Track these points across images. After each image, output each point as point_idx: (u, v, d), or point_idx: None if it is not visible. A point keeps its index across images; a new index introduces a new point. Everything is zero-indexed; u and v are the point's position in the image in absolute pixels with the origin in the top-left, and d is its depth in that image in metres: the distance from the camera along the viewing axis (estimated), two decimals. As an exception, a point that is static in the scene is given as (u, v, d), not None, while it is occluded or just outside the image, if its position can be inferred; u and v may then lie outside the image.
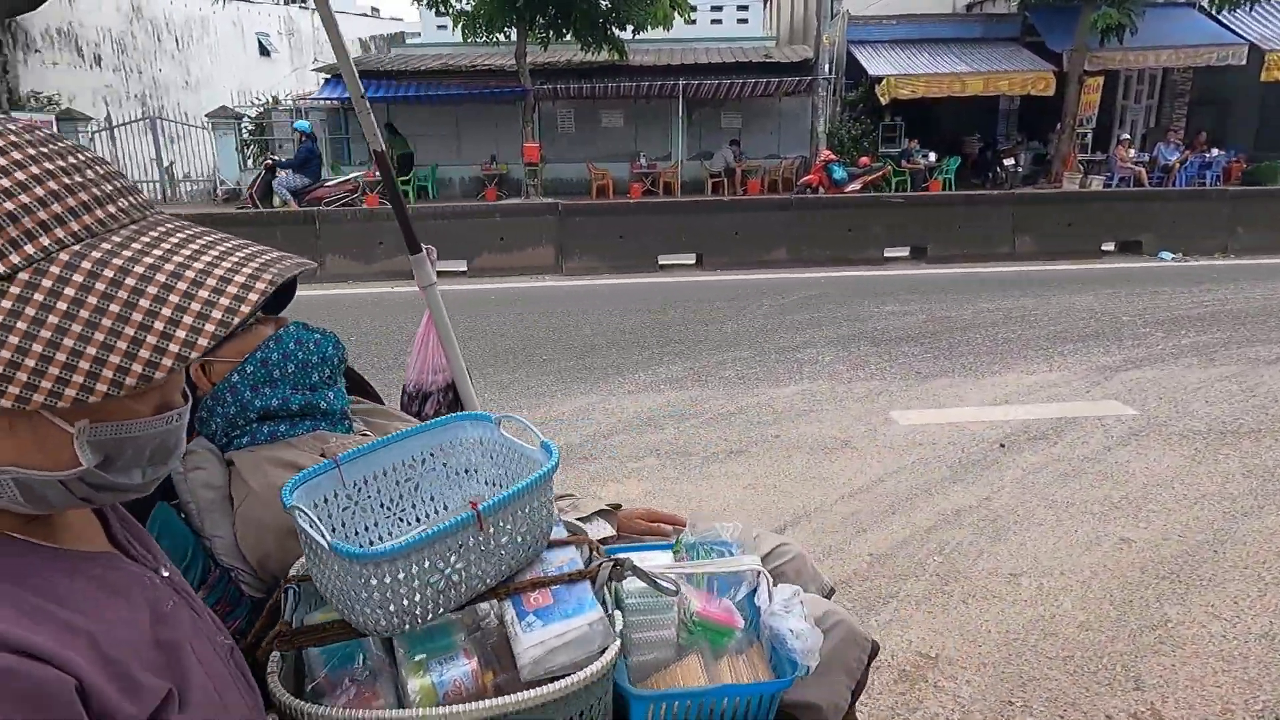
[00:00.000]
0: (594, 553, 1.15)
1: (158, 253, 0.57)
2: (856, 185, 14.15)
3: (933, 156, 15.81)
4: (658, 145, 17.52)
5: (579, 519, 1.53)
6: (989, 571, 2.83)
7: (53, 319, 0.53)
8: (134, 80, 19.48)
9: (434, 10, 14.70)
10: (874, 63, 15.70)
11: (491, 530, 1.00)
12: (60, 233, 0.55)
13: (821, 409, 4.38)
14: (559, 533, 1.18)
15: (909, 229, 8.97)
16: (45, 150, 0.57)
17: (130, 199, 0.60)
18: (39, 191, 0.55)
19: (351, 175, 13.83)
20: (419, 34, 20.34)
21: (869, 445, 3.89)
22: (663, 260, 8.70)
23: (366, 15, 29.45)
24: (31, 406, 0.54)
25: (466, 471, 1.24)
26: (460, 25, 14.24)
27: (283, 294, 1.45)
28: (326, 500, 1.09)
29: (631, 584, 1.16)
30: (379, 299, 7.54)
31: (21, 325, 0.53)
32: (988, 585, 2.75)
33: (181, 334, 0.54)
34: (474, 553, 0.99)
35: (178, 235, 0.59)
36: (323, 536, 0.89)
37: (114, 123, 16.74)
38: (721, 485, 3.49)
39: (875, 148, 16.59)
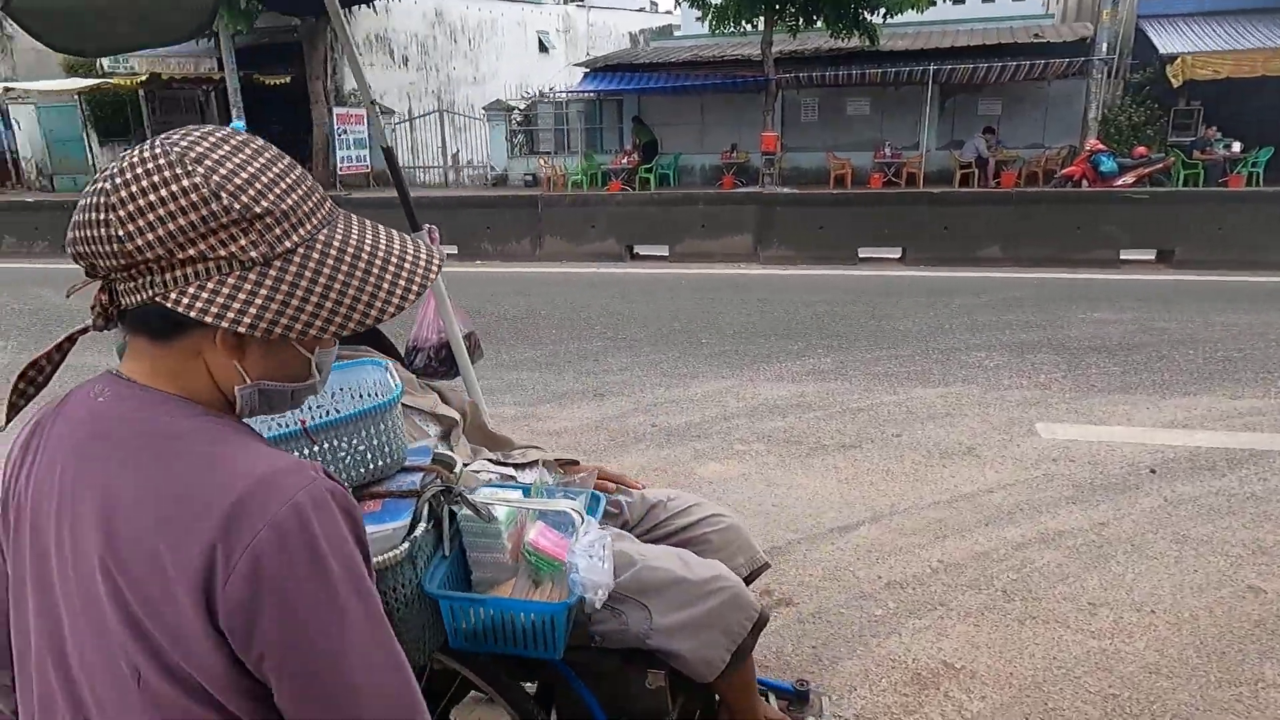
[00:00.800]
0: (436, 478, 1.38)
1: (366, 238, 0.84)
2: (1128, 179, 12.59)
3: (1237, 146, 13.59)
4: (905, 134, 16.75)
5: (515, 464, 1.76)
6: (1065, 597, 2.63)
7: (322, 279, 0.79)
8: (432, 77, 22.19)
9: (691, 4, 15.18)
10: (1167, 39, 13.80)
11: (328, 445, 1.28)
12: (316, 220, 0.81)
13: (961, 414, 4.16)
14: (421, 460, 1.42)
15: (1152, 228, 7.89)
16: (287, 160, 0.82)
17: (328, 196, 0.86)
18: (301, 190, 0.80)
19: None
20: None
21: (995, 455, 3.66)
22: (863, 253, 8.46)
23: (643, 10, 30.94)
24: (306, 340, 0.82)
25: (364, 397, 1.51)
26: (710, 17, 14.59)
27: None
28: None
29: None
30: (587, 279, 8.14)
31: (302, 282, 0.78)
32: (1056, 610, 2.57)
33: (397, 294, 0.82)
34: (316, 460, 1.27)
35: (364, 225, 0.87)
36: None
37: (412, 115, 19.31)
38: (815, 476, 3.51)
39: (1161, 136, 14.59)
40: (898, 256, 8.43)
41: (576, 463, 1.91)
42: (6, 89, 17.98)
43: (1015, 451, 3.69)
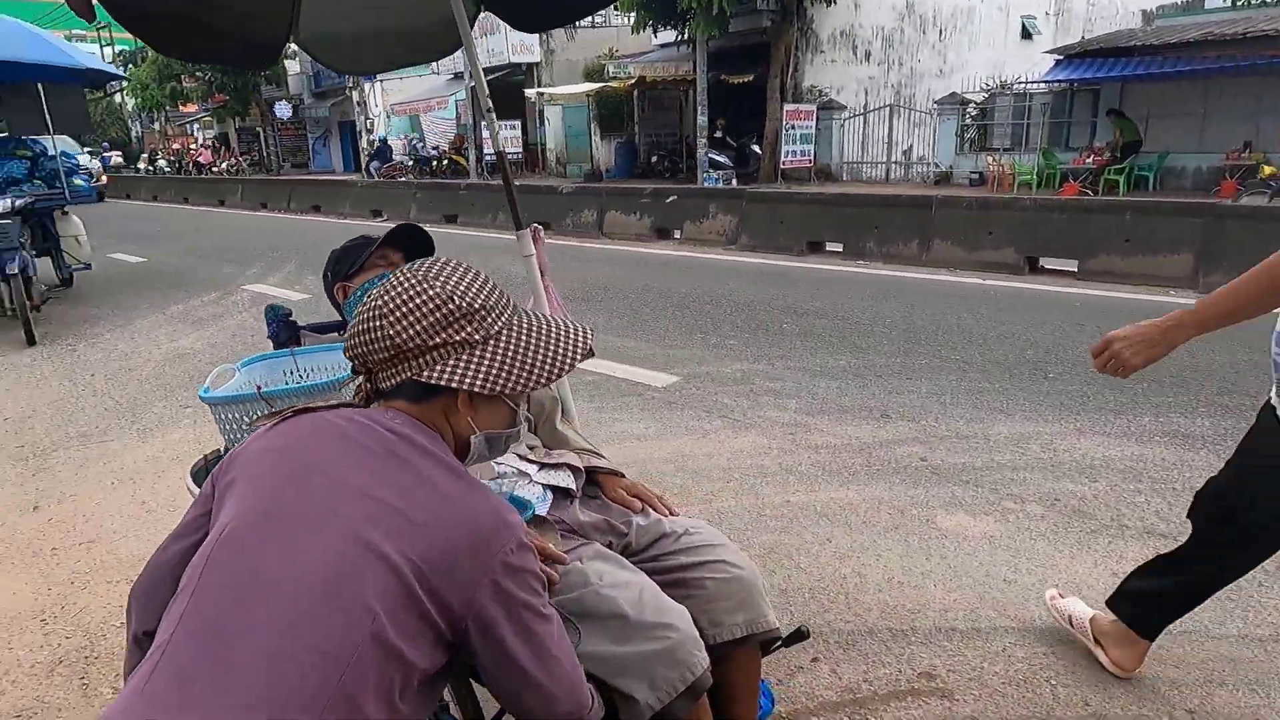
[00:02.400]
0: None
1: (540, 322, 1.21)
2: None
3: None
4: None
5: (540, 461, 1.80)
6: None
7: (520, 349, 1.16)
8: (893, 71, 21.72)
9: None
10: None
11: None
12: (508, 312, 1.18)
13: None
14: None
15: None
16: (485, 275, 1.20)
17: (508, 295, 1.23)
18: (496, 293, 1.18)
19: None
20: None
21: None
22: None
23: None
24: (515, 394, 1.17)
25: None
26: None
27: (423, 247, 2.04)
28: (285, 374, 1.71)
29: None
30: (969, 291, 7.38)
31: (510, 353, 1.15)
32: None
33: (568, 359, 1.19)
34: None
35: (532, 314, 1.24)
36: (204, 384, 1.54)
37: (866, 110, 19.21)
38: (1085, 562, 2.83)
39: None
40: None
41: (620, 474, 1.88)
42: (539, 93, 22.28)
43: None
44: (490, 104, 2.00)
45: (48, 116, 7.52)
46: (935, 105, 18.00)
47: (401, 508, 1.02)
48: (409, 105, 28.37)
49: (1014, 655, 2.39)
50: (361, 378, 1.21)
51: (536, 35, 23.70)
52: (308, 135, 33.75)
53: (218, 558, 1.02)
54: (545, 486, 1.77)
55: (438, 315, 1.12)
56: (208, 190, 23.55)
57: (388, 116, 30.12)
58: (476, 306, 1.14)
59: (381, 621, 0.97)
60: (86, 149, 24.70)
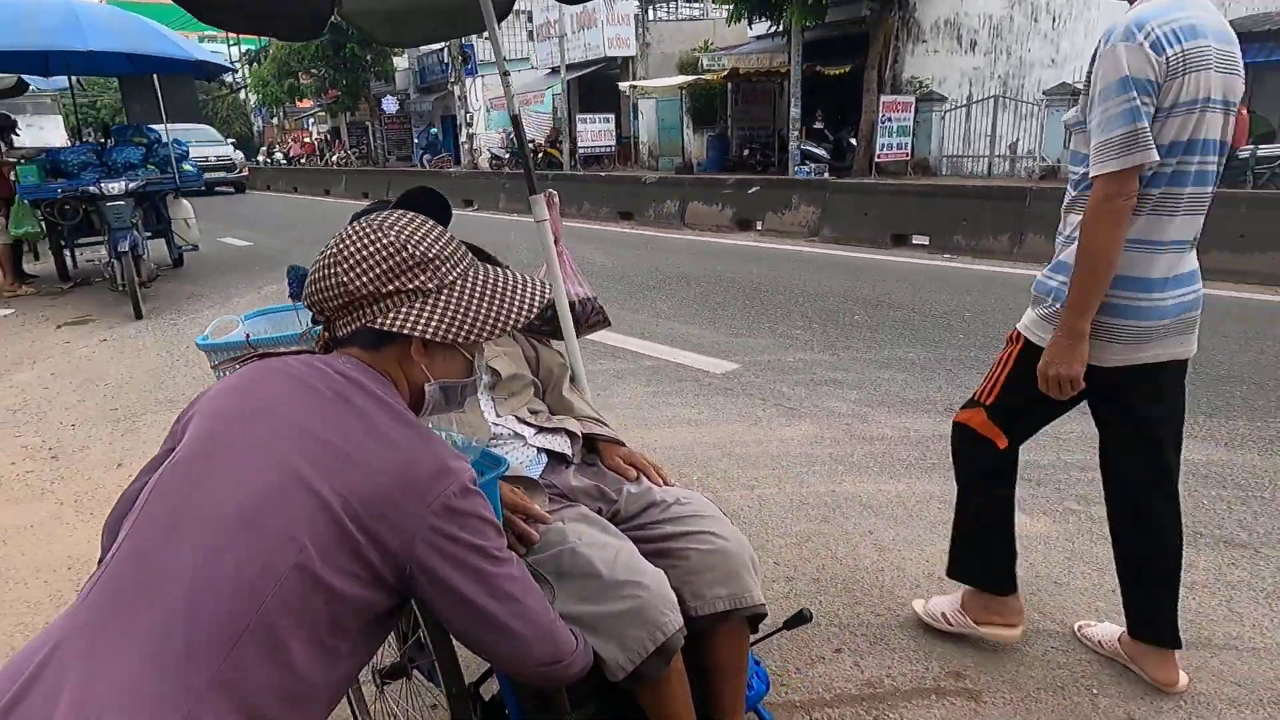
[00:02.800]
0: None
1: (496, 274, 1.22)
2: None
3: None
4: None
5: (538, 425, 1.79)
6: None
7: (473, 299, 1.17)
8: (1000, 61, 20.76)
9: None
10: None
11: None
12: (464, 264, 1.19)
13: None
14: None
15: None
16: (441, 228, 1.21)
17: (468, 250, 1.25)
18: (452, 244, 1.19)
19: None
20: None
21: None
22: None
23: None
24: (468, 343, 1.17)
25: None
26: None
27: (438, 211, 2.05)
28: (290, 328, 1.75)
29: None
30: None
31: (463, 303, 1.15)
32: None
33: (521, 310, 1.19)
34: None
35: (490, 268, 1.24)
36: (202, 332, 1.59)
37: (970, 101, 18.44)
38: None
39: None
40: None
41: (619, 442, 1.84)
42: (632, 86, 22.36)
43: None
44: (506, 69, 2.00)
45: (162, 106, 8.02)
46: (1043, 96, 17.12)
47: (340, 447, 1.03)
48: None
49: (1055, 661, 2.24)
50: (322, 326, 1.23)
51: (633, 28, 23.84)
52: (412, 129, 34.92)
53: (161, 486, 1.04)
54: (540, 450, 1.76)
55: (391, 263, 1.13)
56: (315, 180, 24.68)
57: (487, 110, 30.86)
58: (430, 256, 1.15)
59: (309, 554, 0.97)
60: (229, 139, 26.25)
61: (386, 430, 1.07)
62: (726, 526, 1.61)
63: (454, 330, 1.15)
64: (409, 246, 1.14)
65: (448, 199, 2.00)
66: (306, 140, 40.61)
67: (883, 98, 17.28)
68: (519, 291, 1.22)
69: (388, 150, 35.47)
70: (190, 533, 0.99)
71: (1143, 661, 2.12)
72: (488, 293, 1.19)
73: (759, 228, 10.68)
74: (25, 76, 10.13)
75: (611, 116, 23.44)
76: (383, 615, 1.09)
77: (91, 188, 7.19)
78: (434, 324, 1.14)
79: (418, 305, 1.14)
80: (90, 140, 8.53)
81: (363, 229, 1.15)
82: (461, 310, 1.16)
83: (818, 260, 8.57)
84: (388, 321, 1.13)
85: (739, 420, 4.06)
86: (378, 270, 1.13)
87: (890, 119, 17.35)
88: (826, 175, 16.50)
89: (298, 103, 38.92)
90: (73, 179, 7.56)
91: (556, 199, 2.01)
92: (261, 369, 1.14)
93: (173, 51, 7.35)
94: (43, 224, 8.16)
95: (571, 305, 2.02)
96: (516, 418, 1.79)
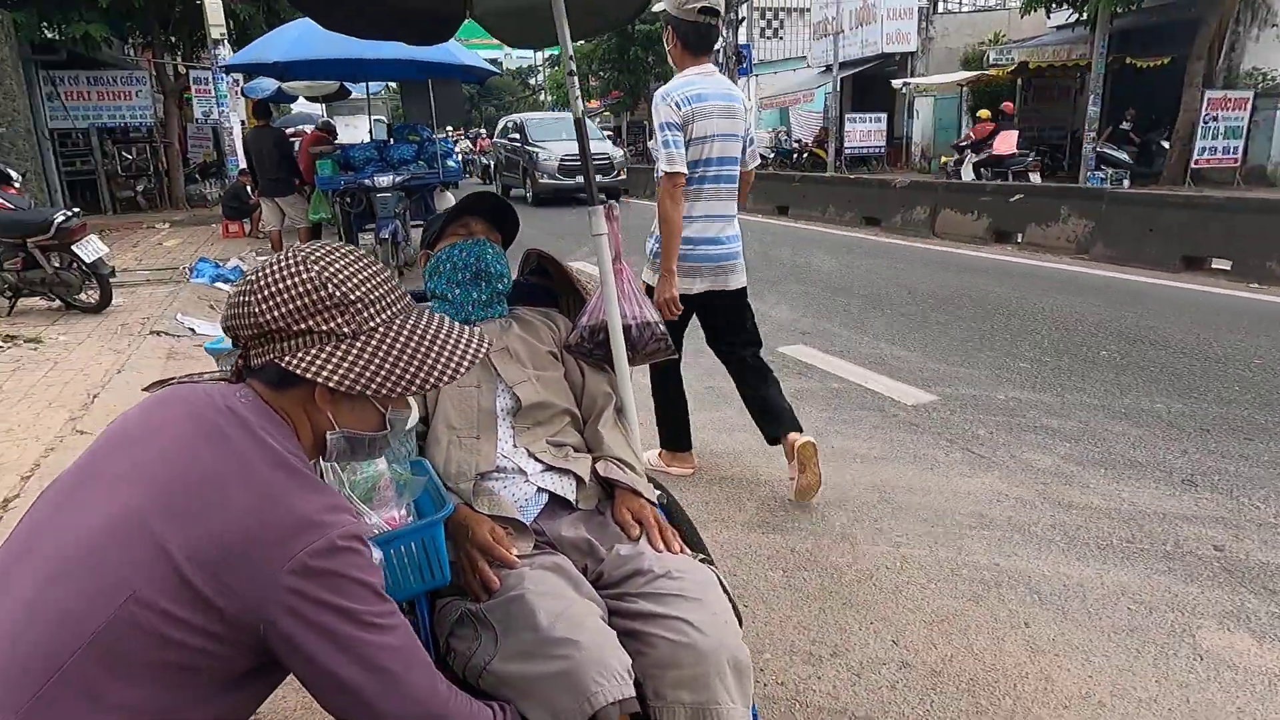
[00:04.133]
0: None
1: (431, 326, 1.13)
2: None
3: None
4: None
5: (548, 464, 1.61)
6: None
7: (393, 350, 1.08)
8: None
9: None
10: None
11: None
12: (394, 309, 1.11)
13: None
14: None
15: None
16: (377, 266, 1.13)
17: (407, 294, 1.17)
18: (384, 287, 1.10)
19: None
20: None
21: None
22: None
23: None
24: (378, 397, 1.08)
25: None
26: None
27: (504, 215, 1.95)
28: None
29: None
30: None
31: (380, 353, 1.07)
32: None
33: (451, 369, 1.11)
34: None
35: (433, 317, 1.15)
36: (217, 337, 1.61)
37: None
38: None
39: None
40: None
41: (638, 493, 1.62)
42: (905, 84, 21.06)
43: None
44: (574, 66, 1.84)
45: (433, 107, 8.87)
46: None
47: (198, 490, 0.96)
48: (778, 99, 28.71)
49: None
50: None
51: (915, 22, 22.46)
52: (686, 128, 35.82)
53: (36, 504, 1.04)
54: (540, 490, 1.60)
55: (306, 300, 1.05)
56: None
57: (758, 109, 30.82)
58: (352, 298, 1.07)
59: (141, 599, 0.90)
60: (606, 132, 27.73)
61: (257, 476, 0.98)
62: (710, 616, 1.33)
63: (362, 381, 1.06)
64: (329, 285, 1.06)
65: (513, 206, 1.90)
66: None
67: (1208, 93, 14.65)
68: (452, 347, 1.13)
69: (660, 149, 36.73)
70: (35, 559, 0.96)
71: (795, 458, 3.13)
72: (412, 344, 1.10)
73: (1019, 241, 9.50)
74: (346, 84, 11.74)
75: (884, 116, 22.30)
76: (245, 675, 1.00)
77: (367, 180, 8.13)
78: (340, 372, 1.05)
79: (328, 349, 1.06)
80: (372, 139, 9.66)
81: (287, 258, 1.08)
82: (376, 361, 1.07)
83: (1078, 281, 7.41)
84: (294, 361, 1.05)
85: (913, 462, 3.57)
86: (291, 306, 1.05)
87: (1216, 118, 14.67)
88: (1125, 184, 14.36)
89: (586, 103, 41.68)
90: (358, 172, 8.60)
91: (617, 212, 1.82)
92: (167, 394, 1.09)
93: (445, 58, 8.08)
94: (336, 211, 9.39)
95: (627, 330, 1.82)
96: (529, 451, 1.64)
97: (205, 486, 0.96)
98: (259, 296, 1.06)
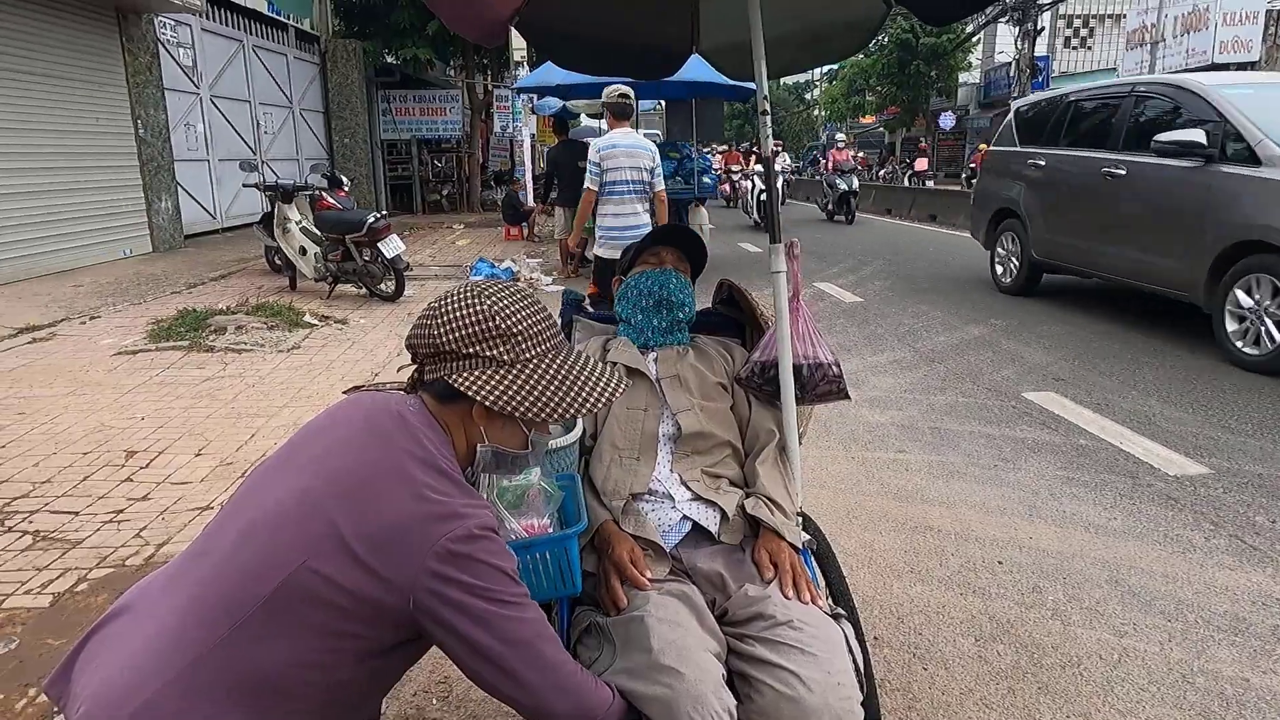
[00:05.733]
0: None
1: (577, 364, 1.30)
2: None
3: None
4: None
5: (697, 494, 1.65)
6: None
7: (542, 380, 1.25)
8: None
9: None
10: None
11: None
12: (546, 345, 1.27)
13: None
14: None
15: None
16: (539, 305, 1.31)
17: (561, 334, 1.34)
18: (541, 324, 1.28)
19: None
20: None
21: None
22: None
23: None
24: (526, 419, 1.26)
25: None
26: None
27: (692, 243, 2.03)
28: None
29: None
30: None
31: (530, 382, 1.24)
32: None
33: (589, 404, 1.26)
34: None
35: (579, 355, 1.33)
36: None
37: None
38: None
39: None
40: None
41: (781, 536, 1.60)
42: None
43: None
44: (768, 106, 1.83)
45: (694, 125, 9.19)
46: None
47: (363, 478, 1.14)
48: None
49: None
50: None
51: (1260, 27, 19.30)
52: (964, 146, 33.74)
53: (250, 476, 1.28)
54: (685, 518, 1.64)
55: (477, 329, 1.23)
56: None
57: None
58: (514, 331, 1.24)
59: (311, 567, 1.08)
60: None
61: (411, 473, 1.14)
62: (822, 675, 1.29)
63: (513, 404, 1.23)
64: (496, 318, 1.23)
65: (702, 239, 1.97)
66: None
67: None
68: (591, 386, 1.28)
69: (936, 167, 34.88)
70: (237, 521, 1.18)
71: None
72: (559, 378, 1.26)
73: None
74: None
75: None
76: (391, 648, 1.16)
77: (628, 195, 8.62)
78: (495, 393, 1.22)
79: (489, 372, 1.23)
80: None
81: (466, 292, 1.27)
82: (528, 388, 1.23)
83: None
84: (460, 380, 1.22)
85: (1161, 543, 3.12)
86: (463, 332, 1.22)
87: None
88: None
89: (860, 119, 40.63)
90: (621, 186, 9.14)
91: (798, 249, 1.80)
92: (356, 398, 1.31)
93: (713, 76, 8.35)
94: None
95: (798, 369, 1.80)
96: (681, 478, 1.69)
97: (368, 478, 1.13)
98: (439, 321, 1.24)
